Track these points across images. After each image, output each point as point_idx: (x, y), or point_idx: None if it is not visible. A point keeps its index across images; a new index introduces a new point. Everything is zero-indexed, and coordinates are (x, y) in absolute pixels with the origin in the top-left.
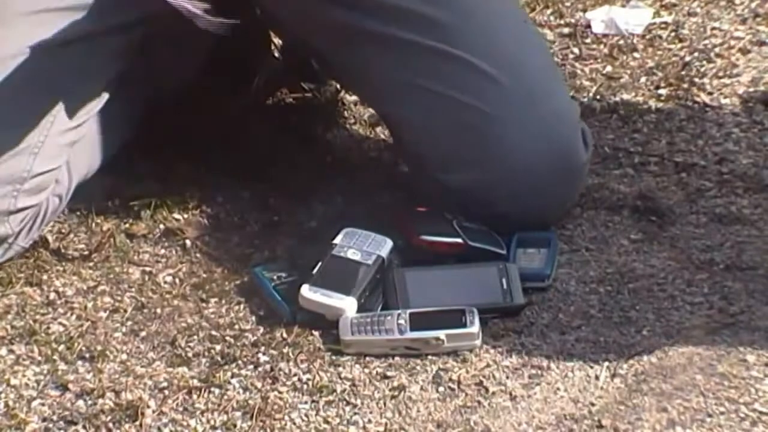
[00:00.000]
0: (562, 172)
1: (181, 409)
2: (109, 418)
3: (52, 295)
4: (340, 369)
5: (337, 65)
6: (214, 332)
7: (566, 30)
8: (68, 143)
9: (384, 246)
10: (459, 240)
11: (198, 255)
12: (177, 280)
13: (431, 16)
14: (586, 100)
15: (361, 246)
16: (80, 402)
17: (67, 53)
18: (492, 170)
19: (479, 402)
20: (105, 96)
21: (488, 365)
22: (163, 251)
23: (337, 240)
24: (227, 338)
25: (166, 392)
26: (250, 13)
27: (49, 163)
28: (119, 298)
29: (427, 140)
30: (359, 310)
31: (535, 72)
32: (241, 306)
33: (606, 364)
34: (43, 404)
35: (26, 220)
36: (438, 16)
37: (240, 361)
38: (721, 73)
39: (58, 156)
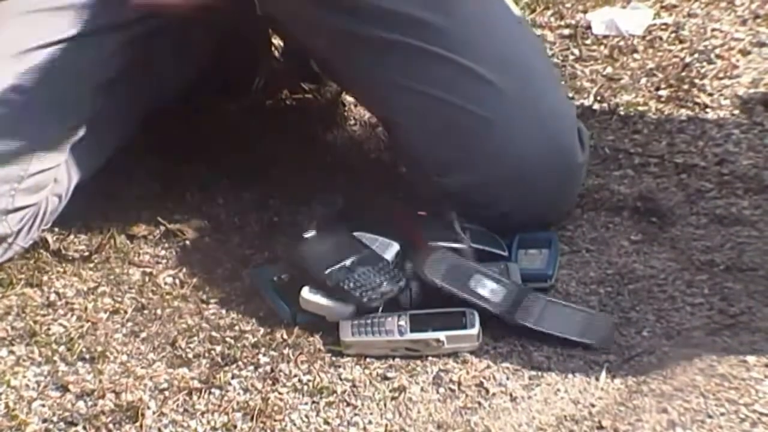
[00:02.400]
0: (560, 172)
1: (181, 410)
2: (110, 419)
3: (53, 296)
4: (341, 370)
5: (336, 68)
6: (214, 333)
7: (566, 31)
8: (66, 142)
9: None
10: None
11: (198, 256)
12: (177, 281)
13: (427, 20)
14: (586, 101)
15: None
16: (80, 403)
17: (65, 52)
18: (489, 172)
19: (479, 403)
20: (105, 96)
21: (488, 366)
22: (163, 252)
23: None
24: (227, 339)
25: (167, 393)
26: (251, 13)
27: (47, 162)
28: (119, 299)
29: (424, 143)
30: None
31: (531, 74)
32: (242, 307)
33: (606, 365)
34: (43, 405)
35: (25, 220)
36: (434, 20)
37: (240, 362)
38: (721, 75)
39: (55, 155)
